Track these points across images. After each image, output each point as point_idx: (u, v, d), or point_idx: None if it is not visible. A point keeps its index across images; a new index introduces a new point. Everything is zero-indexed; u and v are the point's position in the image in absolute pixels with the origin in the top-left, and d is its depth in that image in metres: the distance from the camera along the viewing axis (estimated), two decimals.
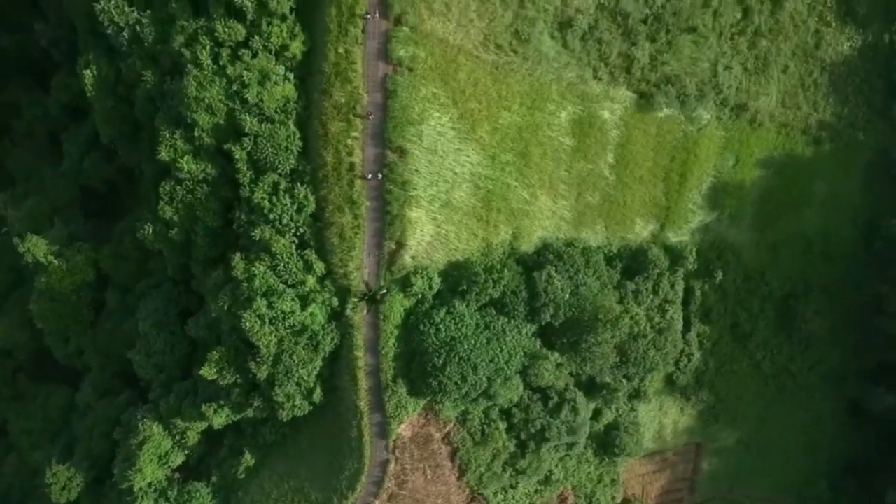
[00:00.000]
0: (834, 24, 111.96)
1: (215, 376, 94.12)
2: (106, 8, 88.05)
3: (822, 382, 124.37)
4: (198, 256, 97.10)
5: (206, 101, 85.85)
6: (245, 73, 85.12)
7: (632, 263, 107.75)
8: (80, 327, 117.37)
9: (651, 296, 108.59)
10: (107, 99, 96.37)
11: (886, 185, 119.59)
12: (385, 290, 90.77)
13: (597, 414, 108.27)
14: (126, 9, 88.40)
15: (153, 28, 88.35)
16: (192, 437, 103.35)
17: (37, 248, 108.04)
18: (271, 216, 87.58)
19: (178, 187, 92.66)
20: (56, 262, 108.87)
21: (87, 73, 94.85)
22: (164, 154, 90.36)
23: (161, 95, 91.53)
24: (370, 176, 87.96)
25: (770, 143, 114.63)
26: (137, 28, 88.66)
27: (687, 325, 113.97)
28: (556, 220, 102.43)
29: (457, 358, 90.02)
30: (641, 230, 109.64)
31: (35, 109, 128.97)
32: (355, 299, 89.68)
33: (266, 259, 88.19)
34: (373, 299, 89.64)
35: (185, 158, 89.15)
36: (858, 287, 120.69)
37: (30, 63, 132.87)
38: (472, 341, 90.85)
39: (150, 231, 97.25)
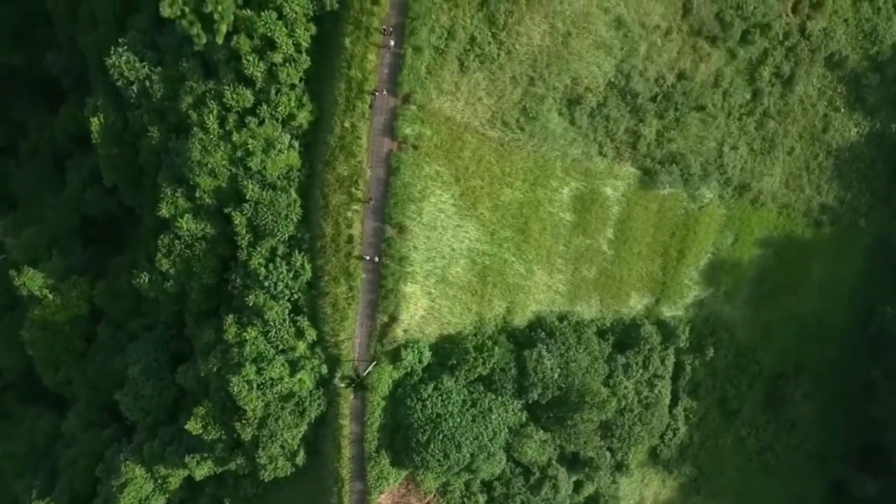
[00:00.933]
0: (843, 110, 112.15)
1: (200, 431, 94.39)
2: (116, 63, 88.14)
3: (806, 462, 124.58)
4: (191, 308, 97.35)
5: (210, 165, 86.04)
6: (250, 140, 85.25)
7: (624, 337, 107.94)
8: (70, 357, 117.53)
9: (641, 370, 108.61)
10: (112, 146, 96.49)
11: (884, 271, 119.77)
12: (376, 362, 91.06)
13: (577, 486, 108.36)
14: (137, 64, 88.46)
15: (162, 85, 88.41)
16: (174, 482, 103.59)
17: (32, 281, 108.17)
18: (266, 283, 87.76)
19: (177, 241, 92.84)
20: (51, 296, 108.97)
21: (94, 120, 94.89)
22: (164, 211, 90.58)
23: (166, 150, 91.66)
24: (367, 258, 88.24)
25: (770, 224, 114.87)
26: (147, 83, 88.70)
27: (675, 399, 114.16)
28: (552, 294, 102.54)
29: (441, 435, 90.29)
30: (636, 304, 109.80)
31: (42, 131, 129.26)
32: (342, 385, 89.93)
33: (258, 324, 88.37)
34: (360, 386, 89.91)
35: (185, 218, 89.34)
36: (849, 370, 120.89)
37: (40, 81, 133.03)
38: (458, 419, 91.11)
39: (146, 280, 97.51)
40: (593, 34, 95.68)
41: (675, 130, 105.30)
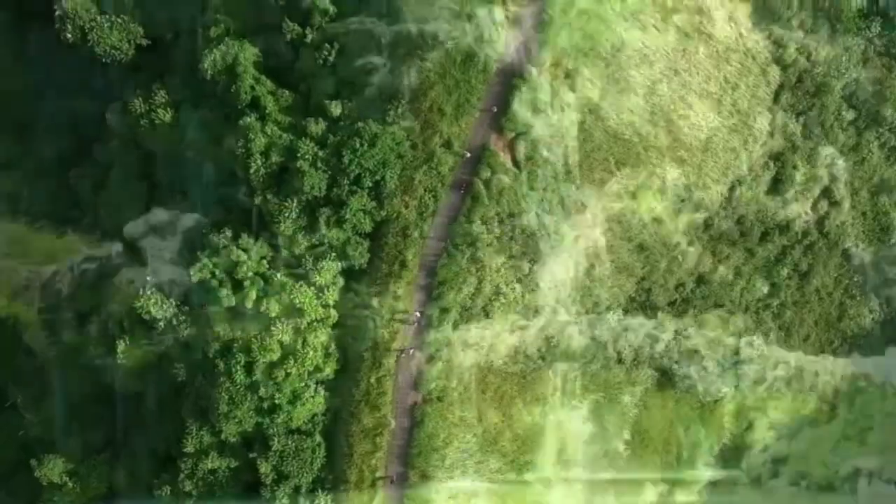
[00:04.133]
0: (858, 298, 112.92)
1: None
2: (145, 306, 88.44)
3: None
4: None
5: (237, 417, 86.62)
6: (276, 394, 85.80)
7: None
8: None
9: None
10: (136, 362, 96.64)
11: None
12: None
13: None
14: (164, 304, 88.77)
15: (190, 326, 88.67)
16: None
17: (52, 471, 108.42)
18: None
19: (200, 464, 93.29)
20: (70, 483, 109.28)
21: (120, 343, 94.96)
22: (189, 447, 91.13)
23: (192, 383, 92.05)
24: None
25: (784, 408, 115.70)
26: (174, 322, 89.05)
27: None
28: (569, 503, 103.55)
29: None
30: (650, 494, 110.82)
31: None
32: None
33: None
34: None
35: (211, 456, 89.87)
36: None
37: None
38: None
39: (167, 492, 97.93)
40: (616, 262, 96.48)
41: (692, 328, 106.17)
